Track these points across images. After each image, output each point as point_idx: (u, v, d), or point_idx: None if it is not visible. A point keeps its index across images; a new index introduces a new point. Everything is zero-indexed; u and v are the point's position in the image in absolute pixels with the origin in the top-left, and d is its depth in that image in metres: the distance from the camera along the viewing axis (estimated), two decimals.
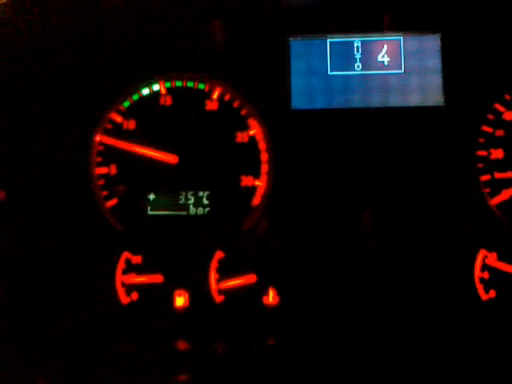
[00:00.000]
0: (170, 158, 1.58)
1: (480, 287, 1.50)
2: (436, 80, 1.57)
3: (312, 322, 1.49)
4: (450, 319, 1.47)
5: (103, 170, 1.59)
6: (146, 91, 1.61)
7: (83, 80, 1.58)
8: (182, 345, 1.48)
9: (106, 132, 1.61)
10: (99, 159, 1.60)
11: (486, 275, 1.50)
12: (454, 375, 1.31)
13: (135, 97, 1.61)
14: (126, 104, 1.60)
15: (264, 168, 1.58)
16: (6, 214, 1.51)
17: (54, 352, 1.40)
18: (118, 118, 1.60)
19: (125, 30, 1.57)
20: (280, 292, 1.53)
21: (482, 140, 1.54)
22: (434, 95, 1.57)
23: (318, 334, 1.47)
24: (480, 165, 1.53)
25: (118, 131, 1.60)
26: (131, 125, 1.60)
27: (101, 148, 1.60)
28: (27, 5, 1.43)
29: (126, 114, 1.60)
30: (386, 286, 1.51)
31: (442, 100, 1.56)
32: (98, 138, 1.59)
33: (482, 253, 1.51)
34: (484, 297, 1.49)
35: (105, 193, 1.59)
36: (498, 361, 1.34)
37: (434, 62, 1.57)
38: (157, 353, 1.42)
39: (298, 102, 1.59)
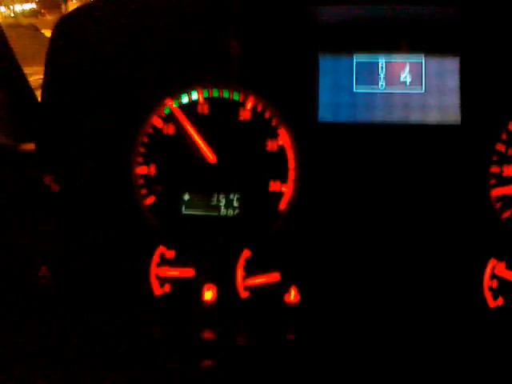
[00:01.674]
0: (211, 156, 1.69)
1: (488, 295, 1.59)
2: (454, 100, 1.66)
3: (331, 321, 1.59)
4: (457, 324, 1.56)
5: (143, 170, 1.71)
6: (185, 99, 1.72)
7: (130, 87, 1.70)
8: (208, 335, 1.58)
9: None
10: (140, 159, 1.71)
11: (494, 284, 1.60)
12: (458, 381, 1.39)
13: (175, 104, 1.72)
14: (167, 110, 1.72)
15: (291, 175, 1.68)
16: (56, 207, 1.63)
17: (86, 341, 1.48)
18: (159, 124, 1.72)
19: (168, 42, 1.69)
20: (301, 291, 1.63)
21: (495, 158, 1.63)
22: (451, 114, 1.66)
23: (336, 332, 1.56)
24: (492, 181, 1.63)
25: (158, 135, 1.72)
26: (170, 130, 1.71)
27: (142, 149, 1.72)
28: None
29: (167, 120, 1.72)
30: (404, 290, 1.62)
31: (459, 119, 1.65)
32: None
33: (491, 262, 1.60)
34: (492, 304, 1.59)
35: (143, 191, 1.71)
36: (502, 368, 1.42)
37: (453, 82, 1.66)
38: (184, 341, 1.52)
39: (325, 115, 1.69)
